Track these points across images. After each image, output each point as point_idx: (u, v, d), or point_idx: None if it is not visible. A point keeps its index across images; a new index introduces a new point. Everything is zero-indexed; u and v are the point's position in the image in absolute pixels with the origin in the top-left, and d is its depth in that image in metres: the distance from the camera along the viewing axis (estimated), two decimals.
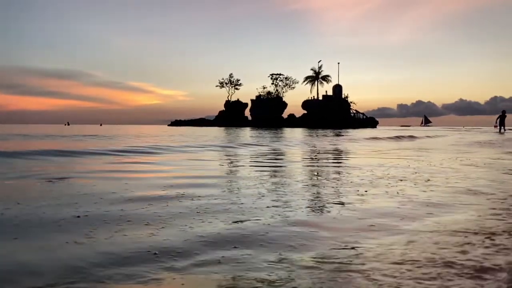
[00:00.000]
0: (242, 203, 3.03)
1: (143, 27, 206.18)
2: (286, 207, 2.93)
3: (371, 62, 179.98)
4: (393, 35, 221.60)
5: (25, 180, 4.18)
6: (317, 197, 3.41)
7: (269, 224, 2.42)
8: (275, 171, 5.26)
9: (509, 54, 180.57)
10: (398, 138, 18.48)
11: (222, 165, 6.43)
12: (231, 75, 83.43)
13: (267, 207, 2.91)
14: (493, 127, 33.22)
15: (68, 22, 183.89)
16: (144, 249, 1.92)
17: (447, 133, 27.78)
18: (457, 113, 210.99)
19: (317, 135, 21.23)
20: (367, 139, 16.47)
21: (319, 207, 3.00)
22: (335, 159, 7.52)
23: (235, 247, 1.98)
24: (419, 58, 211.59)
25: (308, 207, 2.96)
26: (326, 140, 15.03)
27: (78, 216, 2.55)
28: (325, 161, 7.03)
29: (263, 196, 3.35)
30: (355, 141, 15.15)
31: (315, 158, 7.65)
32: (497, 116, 30.42)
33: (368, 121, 75.68)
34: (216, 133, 25.80)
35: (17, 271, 1.66)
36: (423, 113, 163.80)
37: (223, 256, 1.84)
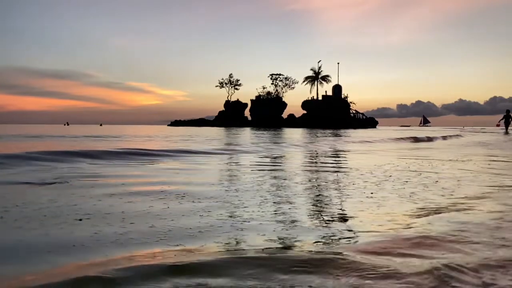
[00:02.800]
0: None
1: (143, 27, 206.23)
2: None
3: (371, 62, 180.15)
4: (392, 35, 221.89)
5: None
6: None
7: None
8: (287, 179, 5.19)
9: (509, 54, 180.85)
10: (416, 139, 16.58)
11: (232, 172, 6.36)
12: (230, 75, 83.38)
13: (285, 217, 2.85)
14: (496, 126, 33.15)
15: (67, 22, 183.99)
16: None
17: (454, 133, 27.10)
18: (456, 113, 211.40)
19: (319, 136, 21.15)
20: (381, 141, 14.79)
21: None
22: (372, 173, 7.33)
23: None
24: (418, 58, 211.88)
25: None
26: (332, 142, 14.27)
27: (80, 220, 2.50)
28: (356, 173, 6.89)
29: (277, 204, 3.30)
30: (367, 143, 13.57)
31: (332, 167, 7.55)
32: (501, 116, 30.31)
33: (368, 121, 75.63)
34: (217, 133, 25.73)
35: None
36: (423, 113, 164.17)
37: None
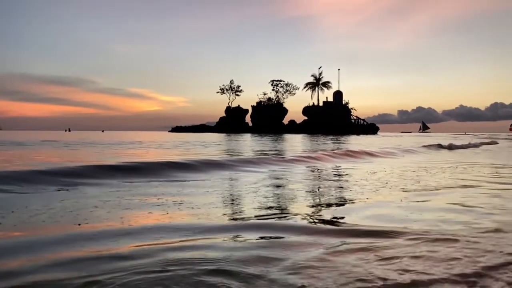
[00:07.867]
0: None
1: (144, 33, 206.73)
2: None
3: (372, 69, 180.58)
4: (393, 41, 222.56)
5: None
6: None
7: None
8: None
9: (510, 60, 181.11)
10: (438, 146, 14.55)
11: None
12: (231, 82, 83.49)
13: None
14: (510, 130, 33.57)
15: (69, 28, 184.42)
16: None
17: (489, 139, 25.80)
18: (457, 119, 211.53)
19: (322, 142, 21.06)
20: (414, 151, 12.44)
21: None
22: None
23: None
24: (419, 64, 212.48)
25: None
26: (341, 150, 11.10)
27: (79, 224, 2.54)
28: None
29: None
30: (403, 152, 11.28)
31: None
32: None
33: (369, 127, 75.63)
34: (219, 140, 25.62)
35: None
36: (423, 119, 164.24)
37: None
